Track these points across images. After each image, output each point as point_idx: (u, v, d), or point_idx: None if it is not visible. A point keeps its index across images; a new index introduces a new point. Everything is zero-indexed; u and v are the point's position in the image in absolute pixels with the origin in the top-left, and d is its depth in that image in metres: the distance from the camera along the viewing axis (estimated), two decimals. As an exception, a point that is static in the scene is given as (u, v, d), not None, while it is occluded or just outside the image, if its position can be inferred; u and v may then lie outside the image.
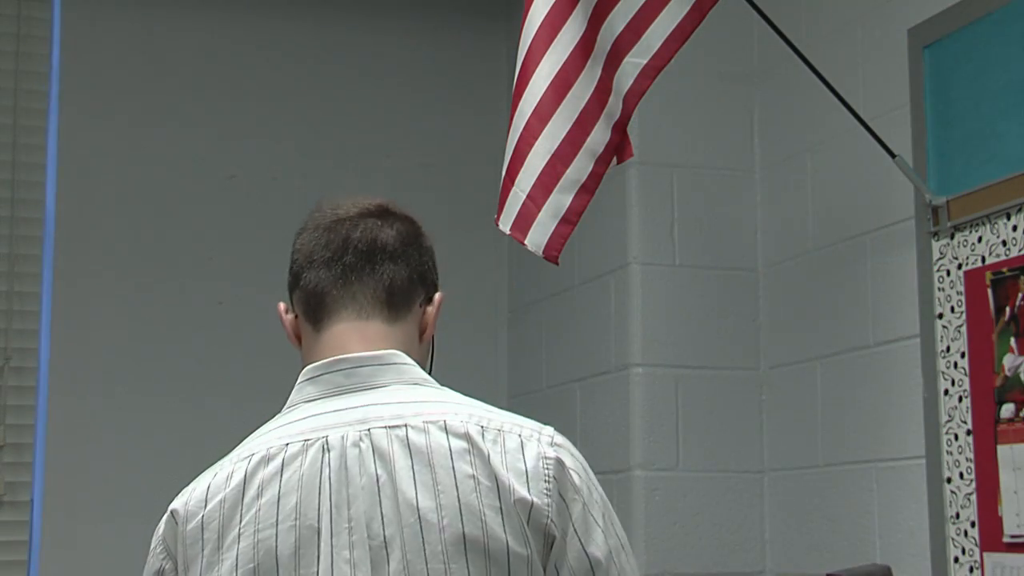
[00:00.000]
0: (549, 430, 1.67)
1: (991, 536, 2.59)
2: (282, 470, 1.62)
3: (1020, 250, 2.57)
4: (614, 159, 2.69)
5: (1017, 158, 2.61)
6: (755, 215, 3.48)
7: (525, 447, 1.63)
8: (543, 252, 2.63)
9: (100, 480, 3.68)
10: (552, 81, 2.61)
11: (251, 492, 1.62)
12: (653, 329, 3.37)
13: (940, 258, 2.77)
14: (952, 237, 2.74)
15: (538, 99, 2.61)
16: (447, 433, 1.62)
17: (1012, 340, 2.56)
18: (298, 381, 1.73)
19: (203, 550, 1.62)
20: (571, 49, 2.62)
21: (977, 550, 2.63)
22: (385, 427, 1.62)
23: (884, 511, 2.95)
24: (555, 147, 2.61)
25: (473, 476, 1.59)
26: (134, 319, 3.78)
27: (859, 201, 3.10)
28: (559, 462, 1.63)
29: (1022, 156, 2.60)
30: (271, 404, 1.65)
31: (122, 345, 3.76)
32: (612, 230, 3.46)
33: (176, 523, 1.65)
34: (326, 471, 1.61)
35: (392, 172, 4.01)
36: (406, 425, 1.62)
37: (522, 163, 2.61)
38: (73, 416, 3.69)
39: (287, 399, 1.75)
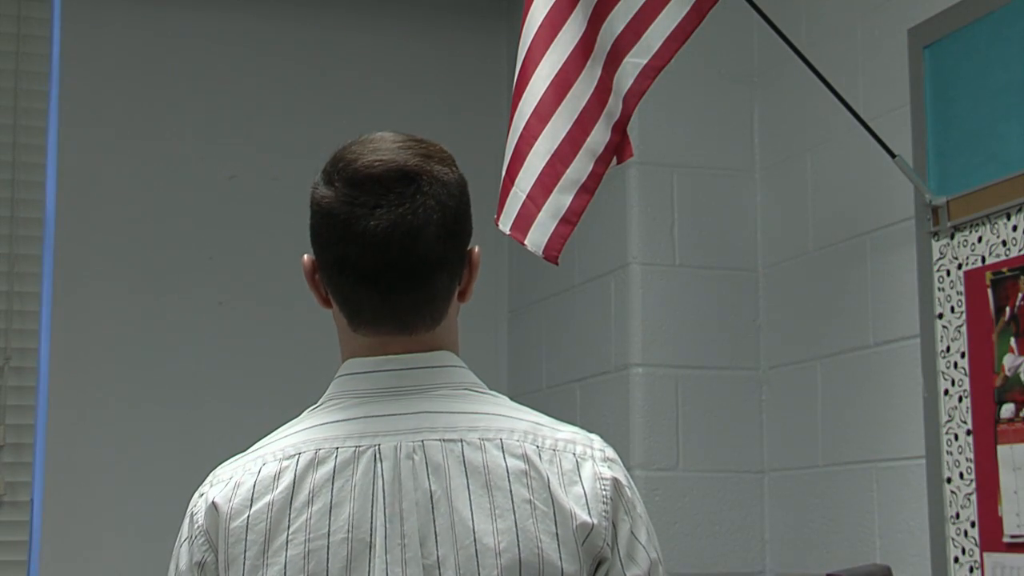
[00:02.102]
0: (598, 442, 1.67)
1: (991, 536, 2.59)
2: (334, 477, 1.59)
3: (1020, 250, 2.57)
4: (614, 159, 2.69)
5: (1017, 158, 2.61)
6: (755, 215, 3.48)
7: (581, 468, 1.62)
8: (543, 252, 2.62)
9: (100, 480, 3.68)
10: (552, 81, 2.61)
11: (301, 497, 1.59)
12: (653, 329, 3.37)
13: (940, 258, 2.77)
14: (952, 237, 2.74)
15: (538, 99, 2.61)
16: (504, 452, 1.61)
17: (1012, 340, 2.56)
18: (339, 375, 1.68)
19: (246, 551, 1.58)
20: (571, 49, 2.62)
21: (977, 550, 2.63)
22: (440, 440, 1.60)
23: (884, 511, 2.95)
24: (555, 147, 2.60)
25: (530, 501, 1.59)
26: (134, 319, 3.78)
27: (859, 201, 3.10)
28: (615, 482, 1.63)
29: (1022, 156, 2.60)
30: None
31: (122, 345, 3.76)
32: (612, 230, 3.46)
33: (218, 515, 1.61)
34: (379, 482, 1.59)
35: (392, 172, 4.00)
36: (461, 440, 1.61)
37: (522, 163, 2.61)
38: (73, 416, 3.68)
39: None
